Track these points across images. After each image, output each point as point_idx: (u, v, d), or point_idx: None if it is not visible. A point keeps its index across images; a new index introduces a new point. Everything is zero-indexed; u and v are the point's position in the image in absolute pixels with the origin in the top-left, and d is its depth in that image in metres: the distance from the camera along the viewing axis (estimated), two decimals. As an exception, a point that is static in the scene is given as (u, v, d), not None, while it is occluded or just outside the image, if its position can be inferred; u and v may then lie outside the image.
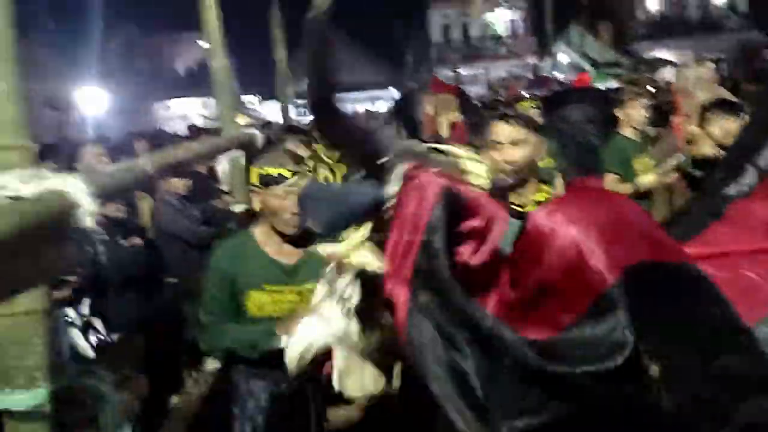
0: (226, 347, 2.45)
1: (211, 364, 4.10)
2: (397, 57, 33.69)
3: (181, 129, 15.23)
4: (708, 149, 3.64)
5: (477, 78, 29.50)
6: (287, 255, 2.42)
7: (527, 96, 7.96)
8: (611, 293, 1.39)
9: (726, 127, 3.58)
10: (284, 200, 2.31)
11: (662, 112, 6.52)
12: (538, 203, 2.41)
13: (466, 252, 1.53)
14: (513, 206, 2.43)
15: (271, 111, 21.01)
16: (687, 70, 4.35)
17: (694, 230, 1.70)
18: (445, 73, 21.14)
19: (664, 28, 30.28)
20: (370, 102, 26.24)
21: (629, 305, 1.37)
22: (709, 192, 1.87)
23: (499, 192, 2.25)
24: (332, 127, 1.82)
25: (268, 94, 27.08)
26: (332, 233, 1.74)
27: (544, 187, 2.60)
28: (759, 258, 1.58)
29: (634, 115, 4.44)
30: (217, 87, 3.61)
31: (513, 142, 2.48)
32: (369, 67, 33.21)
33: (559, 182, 2.78)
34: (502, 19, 30.82)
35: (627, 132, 4.48)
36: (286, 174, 2.33)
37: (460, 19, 30.17)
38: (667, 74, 18.09)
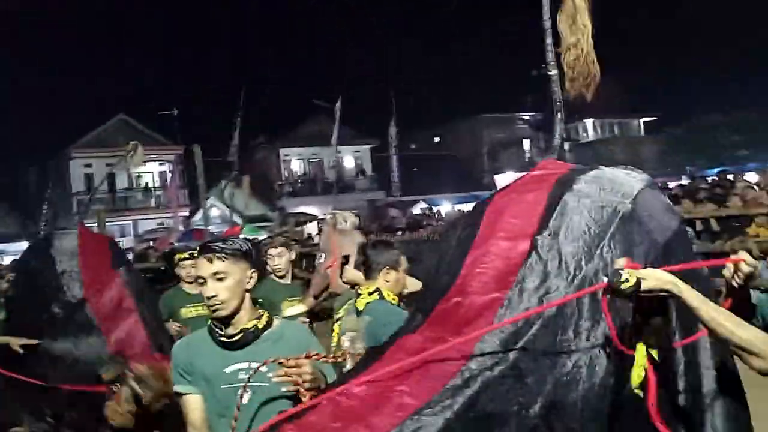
0: None
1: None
2: (30, 207, 30.56)
3: None
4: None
5: (125, 230, 28.19)
6: None
7: (182, 247, 7.63)
8: None
9: None
10: None
11: (305, 258, 6.82)
12: (241, 332, 2.35)
13: None
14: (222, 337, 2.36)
15: None
16: (344, 214, 4.59)
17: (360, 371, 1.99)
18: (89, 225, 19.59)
19: (306, 187, 33.43)
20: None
21: None
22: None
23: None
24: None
25: None
26: None
27: (260, 311, 2.44)
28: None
29: (277, 260, 4.65)
30: None
31: (214, 275, 2.31)
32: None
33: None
34: (152, 171, 30.44)
35: (274, 277, 4.66)
36: None
37: (104, 169, 28.90)
38: (311, 228, 19.69)
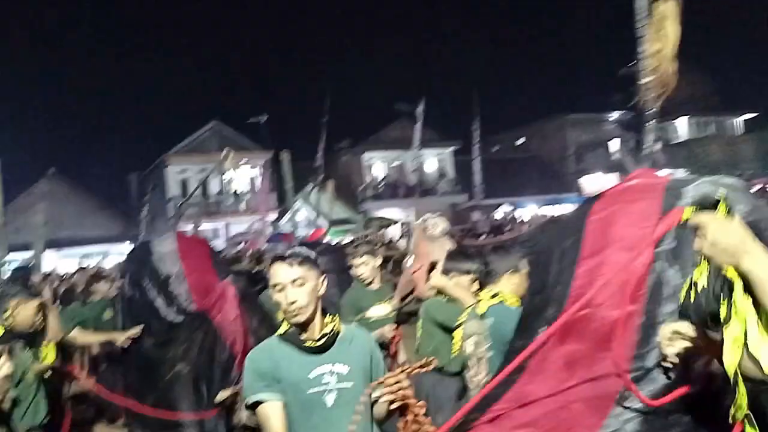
0: None
1: None
2: (132, 211, 32.29)
3: None
4: None
5: (217, 233, 29.29)
6: None
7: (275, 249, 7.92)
8: None
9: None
10: None
11: (392, 262, 6.85)
12: (324, 336, 2.38)
13: None
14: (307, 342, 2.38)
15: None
16: (435, 220, 4.59)
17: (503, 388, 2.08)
18: (185, 228, 20.54)
19: (389, 191, 33.67)
20: (102, 256, 24.46)
21: None
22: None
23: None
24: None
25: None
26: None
27: (328, 319, 2.46)
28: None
29: (362, 269, 4.66)
30: None
31: (294, 281, 2.36)
32: (101, 221, 31.30)
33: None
34: (242, 176, 31.53)
35: (362, 283, 4.66)
36: None
37: (198, 174, 30.13)
38: (392, 231, 19.84)
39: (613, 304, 2.02)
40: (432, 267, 4.04)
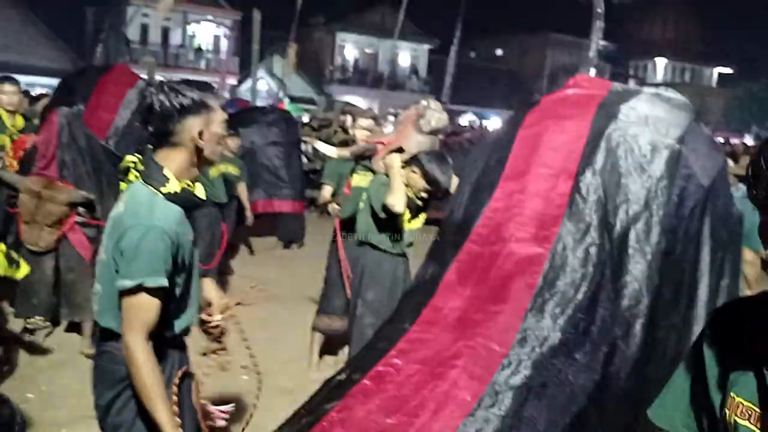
0: None
1: None
2: (85, 48, 30.56)
3: None
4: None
5: (172, 87, 28.06)
6: None
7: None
8: None
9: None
10: None
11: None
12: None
13: None
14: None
15: None
16: (436, 115, 3.96)
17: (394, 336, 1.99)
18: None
19: (357, 78, 32.75)
20: (48, 90, 23.27)
21: None
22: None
23: None
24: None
25: None
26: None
27: None
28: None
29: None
30: None
31: None
32: (50, 52, 29.54)
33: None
34: (206, 33, 30.01)
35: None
36: None
37: (160, 22, 28.51)
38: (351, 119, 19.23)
39: (520, 239, 1.85)
40: (399, 150, 3.77)
